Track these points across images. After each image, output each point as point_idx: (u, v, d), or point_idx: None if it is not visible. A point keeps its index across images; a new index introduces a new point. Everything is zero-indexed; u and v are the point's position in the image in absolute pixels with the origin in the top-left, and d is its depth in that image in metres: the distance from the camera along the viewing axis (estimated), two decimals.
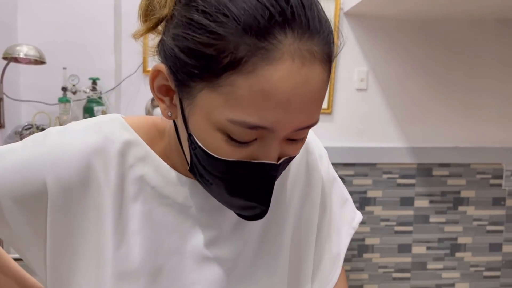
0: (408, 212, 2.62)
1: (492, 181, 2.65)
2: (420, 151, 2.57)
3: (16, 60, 1.85)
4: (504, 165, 2.65)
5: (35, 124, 2.10)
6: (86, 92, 2.17)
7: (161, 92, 0.53)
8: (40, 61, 1.86)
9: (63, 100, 2.14)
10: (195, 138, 0.49)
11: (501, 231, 2.70)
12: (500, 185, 2.66)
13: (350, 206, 0.70)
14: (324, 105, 2.46)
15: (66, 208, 0.53)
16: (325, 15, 0.49)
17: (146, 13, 0.52)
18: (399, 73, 2.52)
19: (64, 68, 2.16)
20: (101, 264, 0.53)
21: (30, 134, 2.08)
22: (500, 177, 2.65)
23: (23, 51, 1.81)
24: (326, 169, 0.67)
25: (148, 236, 0.55)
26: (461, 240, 2.68)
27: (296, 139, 0.50)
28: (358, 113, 2.52)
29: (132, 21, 2.36)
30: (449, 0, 2.04)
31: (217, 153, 0.47)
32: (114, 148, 0.55)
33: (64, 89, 2.15)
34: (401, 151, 2.56)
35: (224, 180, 0.49)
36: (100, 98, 2.19)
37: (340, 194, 0.69)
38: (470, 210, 2.66)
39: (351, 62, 2.48)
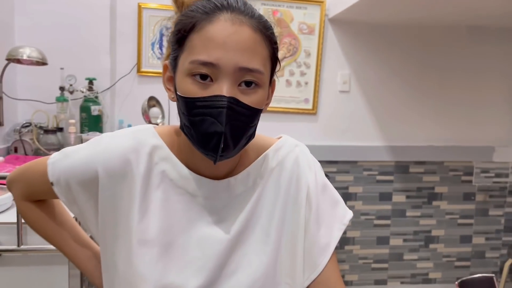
0: (387, 207, 2.80)
1: (464, 178, 2.85)
2: (398, 149, 2.75)
3: (19, 61, 1.92)
4: (475, 163, 2.85)
5: (34, 122, 2.16)
6: (83, 92, 2.25)
7: (169, 82, 0.74)
8: (41, 62, 1.94)
9: (61, 99, 2.21)
10: (178, 93, 0.69)
11: (471, 224, 2.90)
12: (470, 182, 2.86)
13: (341, 206, 0.82)
14: (309, 106, 2.60)
15: (110, 190, 0.73)
16: (259, 13, 0.71)
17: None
18: (379, 76, 2.68)
19: (62, 68, 2.24)
20: (130, 233, 0.72)
21: (28, 131, 2.16)
22: (471, 174, 2.85)
23: (26, 52, 1.88)
24: (313, 178, 0.80)
25: (163, 216, 0.73)
26: (434, 233, 2.87)
27: (245, 81, 0.67)
28: (341, 114, 2.67)
29: (126, 23, 2.51)
30: (424, 9, 2.21)
31: (187, 94, 0.66)
32: (144, 150, 0.74)
33: (62, 88, 2.22)
34: (380, 150, 2.73)
35: (195, 116, 0.66)
36: (96, 97, 2.27)
37: (331, 197, 0.82)
38: (443, 205, 2.85)
39: (335, 65, 2.63)
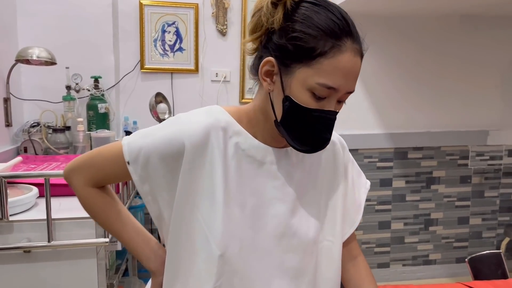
0: (387, 192, 2.88)
1: (460, 162, 2.95)
2: (397, 136, 2.83)
3: (28, 61, 1.93)
4: (470, 147, 2.94)
5: (42, 122, 2.18)
6: (89, 90, 2.27)
7: (266, 75, 0.84)
8: (50, 62, 1.96)
9: (68, 98, 2.23)
10: (291, 97, 0.80)
11: (468, 206, 3.01)
12: (466, 165, 2.96)
13: (363, 176, 1.06)
14: None
15: (193, 161, 0.83)
16: (361, 36, 0.83)
17: (256, 27, 0.84)
18: (377, 66, 2.75)
19: (67, 68, 2.25)
20: (215, 195, 0.83)
21: (37, 131, 2.17)
22: (467, 157, 2.95)
23: (36, 53, 1.90)
24: (347, 154, 1.02)
25: (239, 181, 0.86)
26: (433, 216, 2.97)
27: (342, 101, 0.82)
28: None
29: (128, 21, 2.54)
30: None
31: (304, 104, 0.79)
32: (220, 125, 0.85)
33: (68, 87, 2.24)
34: (380, 137, 2.81)
35: (308, 121, 0.80)
36: (103, 95, 2.29)
37: (356, 169, 1.05)
38: (441, 188, 2.95)
39: None
